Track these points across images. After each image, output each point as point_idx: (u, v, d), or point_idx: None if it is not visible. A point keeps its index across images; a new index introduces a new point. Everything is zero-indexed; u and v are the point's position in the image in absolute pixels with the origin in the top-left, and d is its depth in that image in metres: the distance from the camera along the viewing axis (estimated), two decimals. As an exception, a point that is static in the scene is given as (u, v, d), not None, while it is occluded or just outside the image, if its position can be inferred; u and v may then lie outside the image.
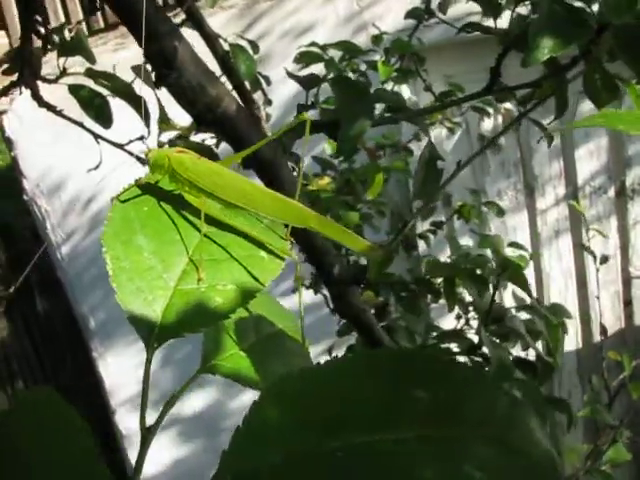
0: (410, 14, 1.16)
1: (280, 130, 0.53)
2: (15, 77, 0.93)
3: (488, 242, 1.13)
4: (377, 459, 0.29)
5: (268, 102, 1.18)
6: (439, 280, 1.23)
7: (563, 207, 2.20)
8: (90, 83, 0.96)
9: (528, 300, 1.14)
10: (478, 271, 1.13)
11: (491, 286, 1.10)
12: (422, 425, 0.29)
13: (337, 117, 0.75)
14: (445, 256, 1.45)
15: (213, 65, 0.80)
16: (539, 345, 1.11)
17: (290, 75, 0.90)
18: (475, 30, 0.85)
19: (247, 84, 0.88)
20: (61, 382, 2.55)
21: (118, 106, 0.97)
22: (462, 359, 1.12)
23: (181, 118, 0.92)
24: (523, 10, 0.82)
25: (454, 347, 1.16)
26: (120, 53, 1.90)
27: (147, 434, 0.33)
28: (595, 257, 1.45)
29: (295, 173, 0.84)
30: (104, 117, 0.95)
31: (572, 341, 2.25)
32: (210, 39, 0.82)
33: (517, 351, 1.11)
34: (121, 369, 2.16)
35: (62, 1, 2.01)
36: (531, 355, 1.12)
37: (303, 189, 1.22)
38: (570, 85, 0.81)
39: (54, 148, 1.93)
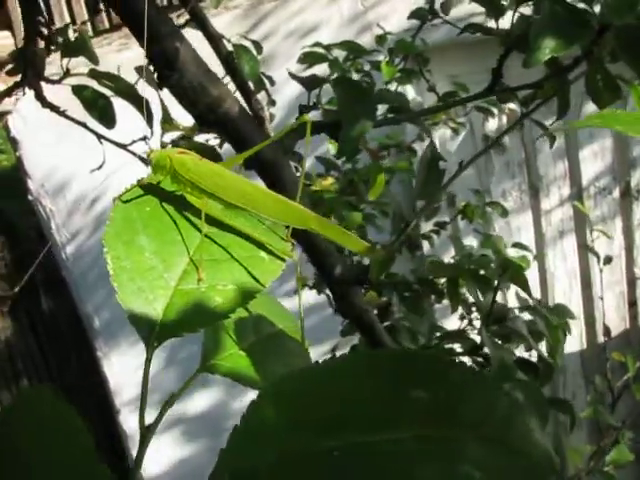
0: (413, 14, 1.15)
1: (282, 131, 0.53)
2: (19, 78, 0.94)
3: (490, 242, 1.13)
4: (374, 459, 0.29)
5: (272, 102, 1.18)
6: (442, 280, 1.23)
7: (568, 208, 2.20)
8: (94, 84, 0.97)
9: (530, 301, 1.14)
10: (482, 272, 1.12)
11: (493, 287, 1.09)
12: (421, 425, 0.29)
13: (339, 118, 0.75)
14: (449, 256, 1.45)
15: (217, 66, 0.80)
16: (543, 346, 1.11)
17: (292, 76, 0.91)
18: (477, 31, 0.85)
19: (251, 84, 0.88)
20: (66, 381, 2.55)
21: (121, 106, 0.98)
22: (465, 359, 1.12)
23: (184, 118, 0.92)
24: (527, 10, 0.82)
25: (457, 348, 1.16)
26: (124, 53, 1.91)
27: (146, 433, 0.33)
28: (599, 258, 1.45)
29: (298, 174, 0.84)
30: (107, 118, 0.96)
31: (576, 342, 2.25)
32: (214, 39, 0.83)
33: (521, 352, 1.11)
34: (125, 369, 2.16)
35: (67, 2, 2.02)
36: (535, 356, 1.12)
37: (306, 189, 1.22)
38: (575, 86, 0.80)
39: (58, 148, 1.93)
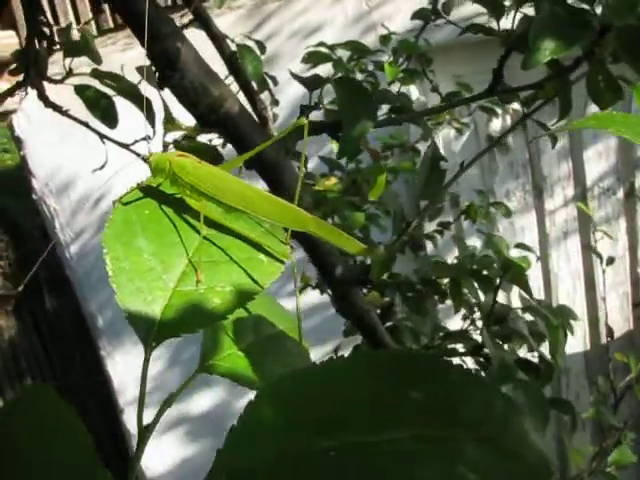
0: (416, 15, 1.15)
1: (281, 132, 0.53)
2: (21, 77, 0.94)
3: (492, 243, 1.13)
4: (372, 459, 0.29)
5: (275, 102, 1.18)
6: (445, 281, 1.23)
7: (572, 208, 2.20)
8: (96, 83, 0.97)
9: (531, 301, 1.14)
10: (484, 272, 1.12)
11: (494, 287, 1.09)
12: (420, 425, 0.29)
13: (339, 118, 0.75)
14: (453, 257, 1.45)
15: (220, 66, 0.80)
16: (545, 346, 1.11)
17: (293, 76, 0.91)
18: (478, 31, 0.85)
19: (254, 84, 0.88)
20: (69, 380, 2.56)
21: (123, 106, 0.98)
22: (467, 360, 1.12)
23: (187, 118, 0.92)
24: (530, 11, 0.82)
25: (460, 348, 1.16)
26: (129, 53, 1.91)
27: (145, 432, 0.33)
28: (601, 258, 1.45)
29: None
30: (110, 117, 0.96)
31: (580, 343, 2.24)
32: (217, 39, 0.83)
33: (524, 352, 1.11)
34: (129, 368, 2.17)
35: (72, 2, 2.02)
36: (537, 356, 1.12)
37: (310, 189, 1.22)
38: (579, 86, 0.80)
39: (61, 148, 1.94)
